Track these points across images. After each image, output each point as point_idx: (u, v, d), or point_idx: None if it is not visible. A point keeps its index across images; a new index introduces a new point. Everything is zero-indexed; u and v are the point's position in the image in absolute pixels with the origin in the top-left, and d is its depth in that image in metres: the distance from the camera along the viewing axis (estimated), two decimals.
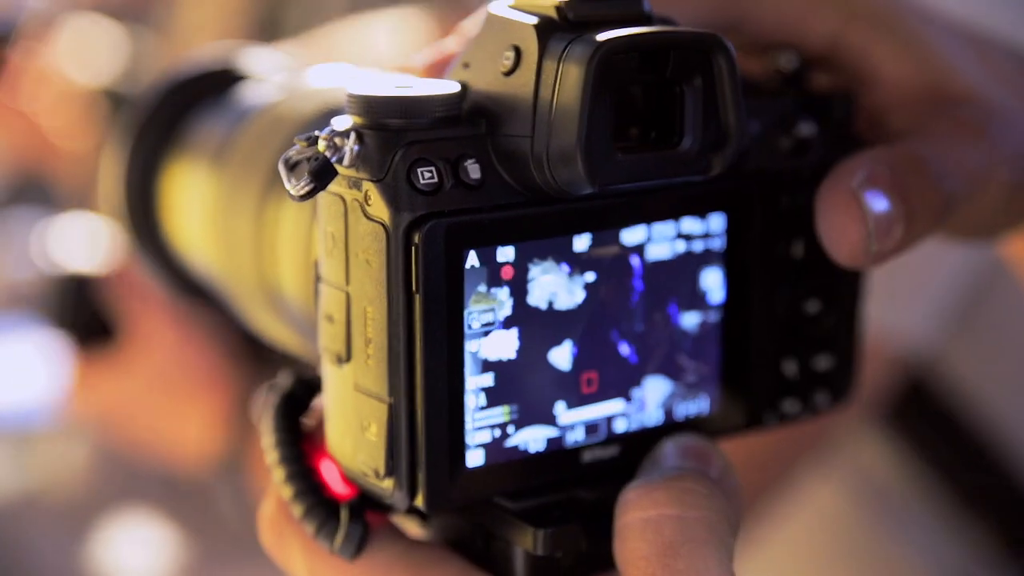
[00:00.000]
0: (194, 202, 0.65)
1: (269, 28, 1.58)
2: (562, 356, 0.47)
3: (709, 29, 0.46)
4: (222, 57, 0.74)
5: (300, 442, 0.51)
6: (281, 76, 0.69)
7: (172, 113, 0.71)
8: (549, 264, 0.46)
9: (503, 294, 0.45)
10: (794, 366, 0.54)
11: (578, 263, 0.47)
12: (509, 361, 0.46)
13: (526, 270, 0.46)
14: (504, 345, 0.46)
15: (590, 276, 0.47)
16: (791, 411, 0.54)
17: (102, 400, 1.14)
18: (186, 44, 1.64)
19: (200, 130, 0.68)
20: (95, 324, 1.12)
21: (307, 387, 0.52)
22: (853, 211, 0.49)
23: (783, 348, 0.53)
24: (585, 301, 0.47)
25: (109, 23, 1.60)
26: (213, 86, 0.71)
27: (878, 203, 0.49)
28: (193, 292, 0.71)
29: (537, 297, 0.46)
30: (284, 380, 0.52)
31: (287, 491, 0.49)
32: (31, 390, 1.56)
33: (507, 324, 0.46)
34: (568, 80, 0.43)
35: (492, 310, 0.45)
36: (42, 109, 1.48)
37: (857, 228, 0.49)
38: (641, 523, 0.45)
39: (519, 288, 0.46)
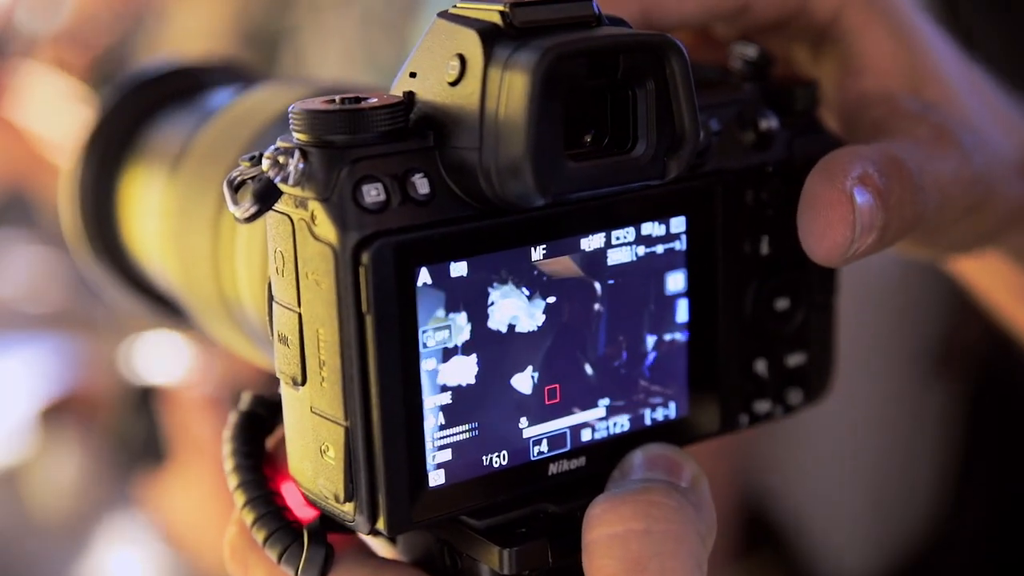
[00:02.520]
0: (152, 212, 0.64)
1: (265, 38, 1.57)
2: (524, 380, 0.46)
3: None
4: (183, 62, 0.72)
5: (262, 465, 0.50)
6: (242, 83, 0.68)
7: (130, 119, 0.69)
8: (509, 288, 0.45)
9: (461, 319, 0.44)
10: (765, 365, 0.52)
11: (538, 284, 0.46)
12: (468, 386, 0.45)
13: (486, 294, 0.44)
14: (463, 371, 0.45)
15: (551, 298, 0.46)
16: (764, 411, 0.53)
17: (166, 514, 1.16)
18: (177, 51, 1.62)
19: (158, 137, 0.67)
20: (154, 441, 1.15)
21: (269, 407, 0.51)
22: (843, 210, 0.48)
23: (753, 347, 0.52)
24: (546, 323, 0.46)
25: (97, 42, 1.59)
26: (173, 90, 0.70)
27: (866, 205, 0.48)
28: (157, 304, 0.69)
29: (497, 321, 0.45)
30: (244, 401, 0.51)
31: (248, 516, 0.48)
32: (17, 409, 1.55)
33: (466, 349, 0.45)
34: (514, 89, 0.42)
35: (447, 328, 0.44)
36: (31, 124, 1.47)
37: (844, 228, 0.48)
38: (607, 539, 0.44)
39: (479, 312, 0.45)
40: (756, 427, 0.53)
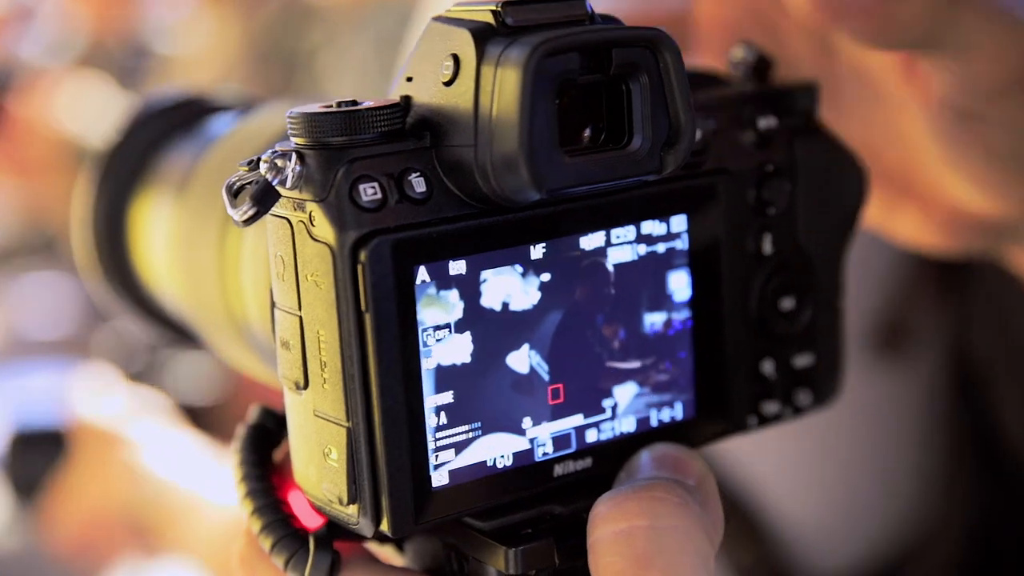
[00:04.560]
0: (160, 237, 0.64)
1: (280, 59, 1.58)
2: (520, 360, 0.46)
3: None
4: (191, 90, 0.73)
5: (269, 475, 0.50)
6: (244, 107, 0.68)
7: (139, 148, 0.70)
8: (502, 267, 0.45)
9: (453, 296, 0.44)
10: (772, 366, 0.52)
11: (533, 265, 0.46)
12: (464, 367, 0.45)
13: (477, 274, 0.44)
14: (457, 350, 0.45)
15: (545, 276, 0.46)
16: (772, 412, 0.53)
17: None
18: (185, 76, 1.64)
19: (166, 164, 0.67)
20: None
21: (277, 420, 0.51)
22: None
23: (760, 347, 0.52)
24: (541, 302, 0.46)
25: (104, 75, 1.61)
26: (182, 119, 0.70)
27: None
28: (168, 329, 0.70)
29: (490, 299, 0.45)
30: (253, 414, 0.52)
31: (255, 524, 0.48)
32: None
33: (459, 328, 0.44)
34: (506, 85, 0.42)
35: (448, 325, 0.44)
36: (40, 158, 1.48)
37: None
38: (613, 536, 0.43)
39: (471, 290, 0.44)
40: (765, 428, 0.53)
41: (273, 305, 0.47)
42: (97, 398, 1.32)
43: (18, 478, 1.30)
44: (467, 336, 0.45)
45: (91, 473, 1.27)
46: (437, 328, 0.44)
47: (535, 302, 0.46)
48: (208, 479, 1.23)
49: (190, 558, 1.21)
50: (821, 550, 0.86)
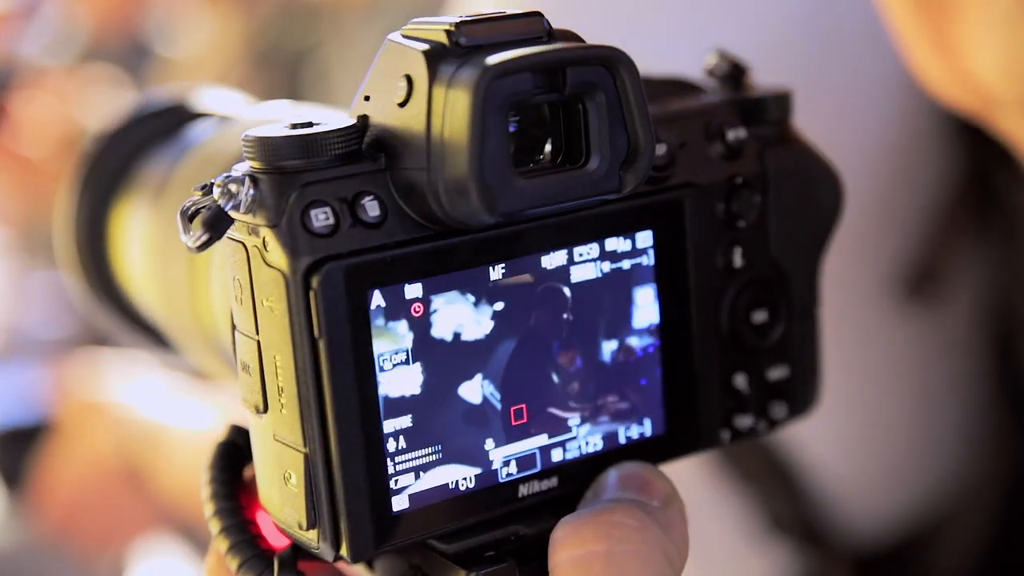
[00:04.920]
0: (137, 244, 0.64)
1: (283, 57, 1.57)
2: (472, 390, 0.46)
3: None
4: (183, 92, 0.73)
5: (238, 494, 0.50)
6: (229, 112, 0.68)
7: (124, 152, 0.69)
8: (453, 295, 0.44)
9: (403, 327, 0.44)
10: (745, 380, 0.52)
11: (486, 292, 0.45)
12: (415, 397, 0.44)
13: (429, 302, 0.44)
14: (410, 378, 0.44)
15: (499, 305, 0.45)
16: (746, 426, 0.52)
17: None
18: (185, 77, 1.64)
19: (147, 169, 0.67)
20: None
21: (247, 437, 0.51)
22: None
23: (732, 361, 0.51)
24: (495, 330, 0.45)
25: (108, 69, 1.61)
26: (168, 124, 0.70)
27: None
28: (147, 335, 0.70)
29: (441, 329, 0.44)
30: (223, 431, 0.51)
31: (222, 544, 0.48)
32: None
33: (411, 357, 0.44)
34: (456, 107, 0.41)
35: (405, 349, 0.44)
36: (43, 155, 1.48)
37: None
38: (570, 562, 0.43)
39: (422, 320, 0.44)
40: (739, 443, 0.52)
41: (233, 327, 0.46)
42: (84, 375, 1.33)
43: (7, 472, 1.32)
44: (417, 367, 0.44)
45: (79, 434, 1.29)
46: (394, 353, 0.44)
47: (487, 331, 0.45)
48: (195, 414, 1.24)
49: (183, 485, 1.22)
50: (855, 504, 0.85)
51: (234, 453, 0.51)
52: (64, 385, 1.33)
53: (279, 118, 0.57)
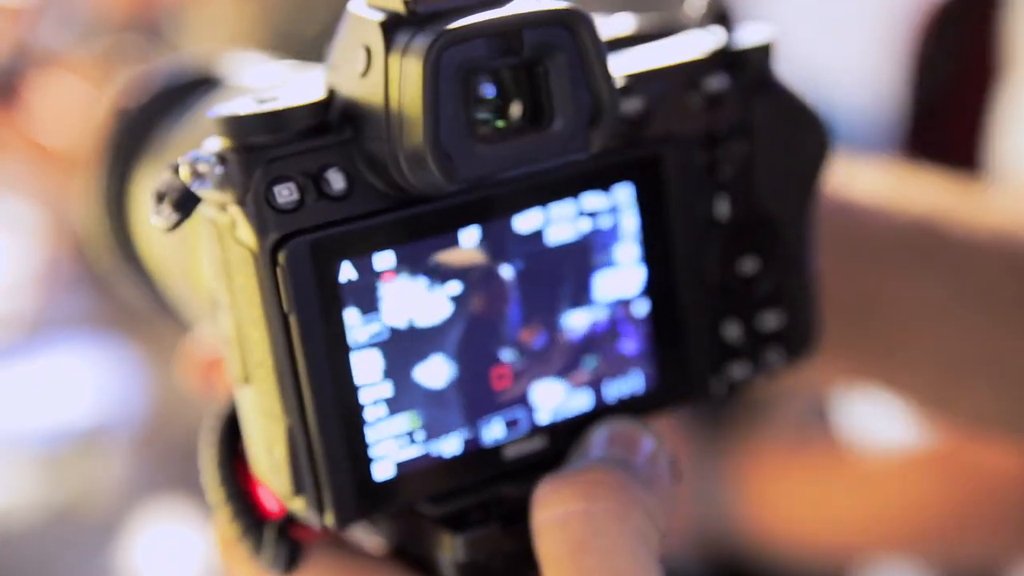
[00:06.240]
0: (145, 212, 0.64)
1: (292, 45, 1.57)
2: (450, 356, 0.46)
3: None
4: (200, 64, 0.73)
5: (236, 464, 0.50)
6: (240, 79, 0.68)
7: (146, 120, 0.70)
8: (403, 278, 0.44)
9: (374, 296, 0.44)
10: (737, 328, 0.51)
11: (439, 273, 0.45)
12: (391, 366, 0.44)
13: (399, 270, 0.44)
14: (383, 349, 0.45)
15: (473, 271, 0.45)
16: (740, 375, 0.52)
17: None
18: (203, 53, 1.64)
19: (160, 137, 0.67)
20: None
21: None
22: None
23: (722, 312, 0.51)
24: (467, 294, 0.45)
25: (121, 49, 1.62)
26: (183, 94, 0.70)
27: None
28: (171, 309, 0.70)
29: (415, 296, 0.45)
30: (223, 403, 0.52)
31: (223, 514, 0.49)
32: (68, 406, 1.60)
33: (383, 328, 0.44)
34: (410, 76, 0.41)
35: (379, 319, 0.44)
36: (59, 141, 1.50)
37: None
38: (550, 522, 0.43)
39: (393, 288, 0.44)
40: (735, 393, 0.52)
41: (214, 303, 0.47)
42: None
43: None
44: (392, 335, 0.44)
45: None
46: (368, 322, 0.44)
47: (461, 294, 0.45)
48: None
49: None
50: None
51: (233, 425, 0.52)
52: None
53: (271, 85, 0.58)
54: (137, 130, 0.70)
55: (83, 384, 1.41)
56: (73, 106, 1.46)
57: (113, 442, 1.58)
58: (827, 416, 1.17)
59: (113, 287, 0.71)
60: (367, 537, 0.51)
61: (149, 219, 0.66)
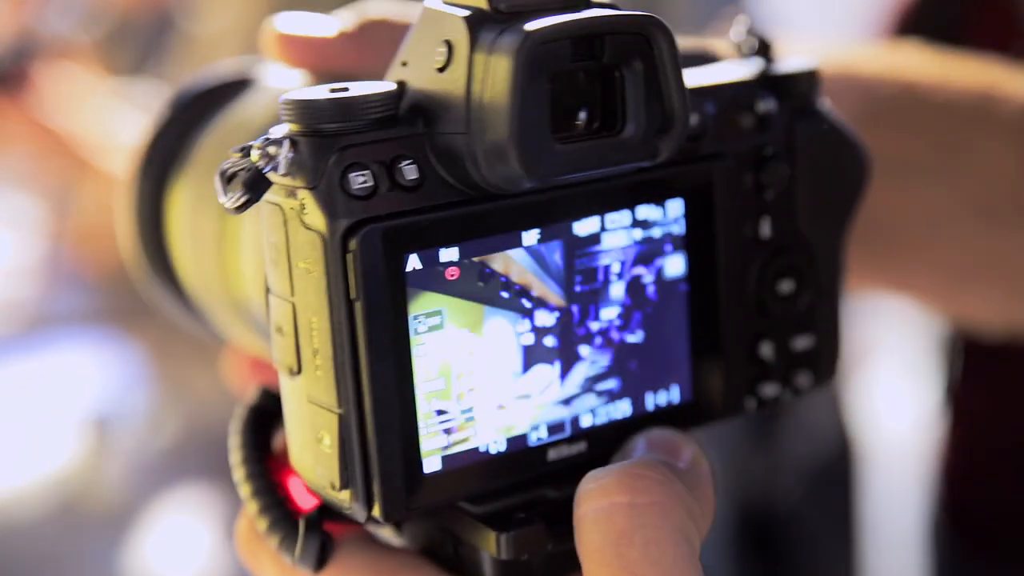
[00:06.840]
0: (181, 219, 0.63)
1: None
2: (505, 355, 0.46)
3: None
4: (236, 68, 0.71)
5: (267, 457, 0.50)
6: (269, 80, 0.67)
7: (181, 129, 0.68)
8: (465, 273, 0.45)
9: (438, 290, 0.44)
10: (771, 348, 0.52)
11: (529, 251, 0.46)
12: (455, 354, 0.45)
13: (464, 265, 0.44)
14: (442, 343, 0.45)
15: (538, 265, 0.46)
16: (771, 394, 0.52)
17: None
18: (210, 52, 1.63)
19: (195, 146, 0.66)
20: None
21: (277, 401, 0.51)
22: None
23: (758, 330, 0.52)
24: (530, 298, 0.46)
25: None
26: (223, 98, 0.68)
27: None
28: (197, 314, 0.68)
29: (475, 294, 0.45)
30: (252, 395, 0.52)
31: (252, 507, 0.49)
32: (74, 399, 1.58)
33: (443, 322, 0.45)
34: (497, 73, 0.42)
35: (440, 312, 0.44)
36: (66, 124, 1.48)
37: None
38: (594, 514, 0.43)
39: (457, 284, 0.44)
40: (764, 411, 0.53)
41: (268, 290, 0.47)
42: None
43: None
44: (451, 329, 0.45)
45: None
46: (429, 315, 0.44)
47: (532, 290, 0.46)
48: None
49: None
50: None
51: (263, 417, 0.51)
52: None
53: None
54: (172, 141, 0.67)
55: (88, 377, 1.39)
56: (78, 93, 1.45)
57: (118, 435, 1.56)
58: None
59: (149, 298, 0.69)
60: (393, 537, 0.51)
61: (184, 227, 0.64)
